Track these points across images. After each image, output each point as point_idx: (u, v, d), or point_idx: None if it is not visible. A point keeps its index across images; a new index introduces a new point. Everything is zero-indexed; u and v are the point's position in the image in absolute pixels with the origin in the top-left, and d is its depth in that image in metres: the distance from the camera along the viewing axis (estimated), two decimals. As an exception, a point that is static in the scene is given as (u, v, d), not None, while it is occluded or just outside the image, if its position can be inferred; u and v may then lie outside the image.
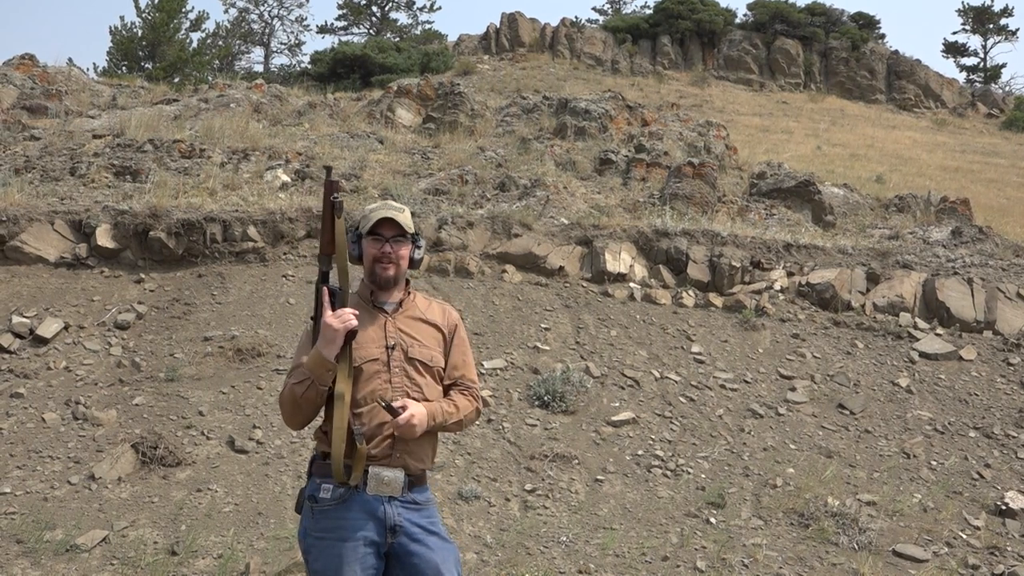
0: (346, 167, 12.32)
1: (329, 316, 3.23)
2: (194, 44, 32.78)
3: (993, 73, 45.85)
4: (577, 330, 9.41)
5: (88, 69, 27.53)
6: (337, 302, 3.28)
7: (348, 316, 3.24)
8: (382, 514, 3.26)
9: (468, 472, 7.10)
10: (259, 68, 42.66)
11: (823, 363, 9.43)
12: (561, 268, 10.28)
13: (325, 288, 3.29)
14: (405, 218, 3.42)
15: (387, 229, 3.41)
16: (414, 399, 3.36)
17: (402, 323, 3.43)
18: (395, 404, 3.26)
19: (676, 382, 8.85)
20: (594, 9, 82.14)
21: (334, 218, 3.27)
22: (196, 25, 33.42)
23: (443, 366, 3.51)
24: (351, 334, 3.26)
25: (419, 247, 3.50)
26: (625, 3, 52.17)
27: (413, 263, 3.49)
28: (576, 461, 7.45)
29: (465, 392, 3.54)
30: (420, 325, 3.49)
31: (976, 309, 10.20)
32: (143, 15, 30.23)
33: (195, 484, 6.64)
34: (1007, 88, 44.69)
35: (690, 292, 10.30)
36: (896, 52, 36.40)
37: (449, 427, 3.46)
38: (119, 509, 6.27)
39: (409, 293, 3.56)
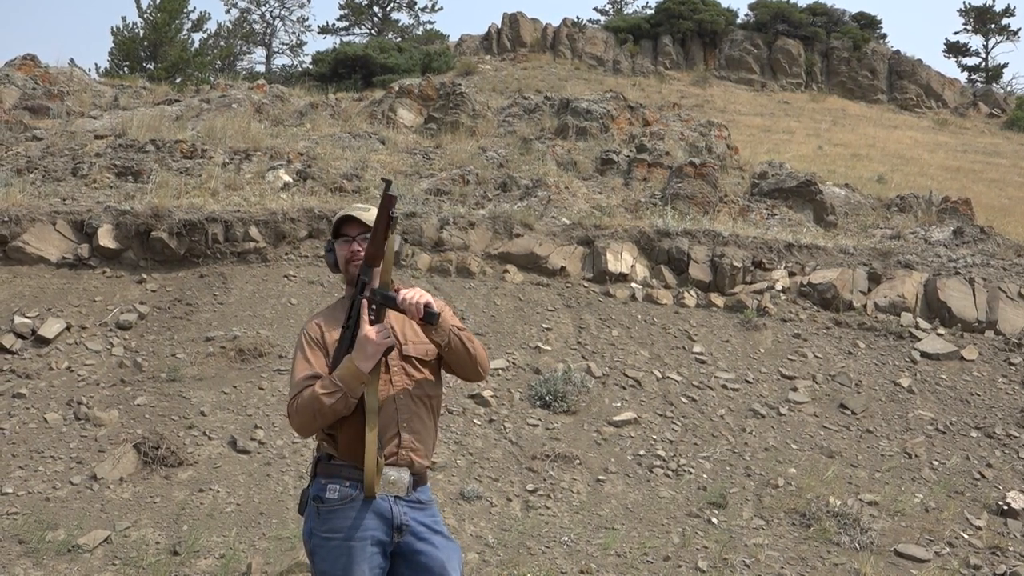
0: (347, 167, 12.33)
1: (370, 330, 3.20)
2: (196, 44, 32.81)
3: (995, 73, 45.84)
4: (578, 330, 9.41)
5: (90, 70, 27.53)
6: (373, 315, 3.25)
7: (388, 332, 3.24)
8: (389, 514, 3.27)
9: (470, 472, 7.11)
10: (261, 68, 42.67)
11: (824, 363, 9.42)
12: (563, 268, 10.28)
13: (365, 300, 3.25)
14: (370, 216, 3.40)
15: (352, 228, 3.41)
16: (416, 396, 3.37)
17: (393, 320, 3.42)
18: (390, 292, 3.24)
19: (678, 382, 8.85)
20: (595, 9, 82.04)
21: (388, 232, 3.26)
22: (198, 25, 33.44)
23: (437, 353, 3.49)
24: (387, 350, 3.26)
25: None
26: (626, 3, 52.19)
27: None
28: (578, 461, 7.46)
29: None
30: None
31: (978, 309, 10.20)
32: (144, 15, 30.24)
33: (197, 484, 6.64)
34: (1008, 88, 44.67)
35: (691, 292, 10.30)
36: (897, 52, 36.37)
37: (463, 344, 3.38)
38: (121, 509, 6.28)
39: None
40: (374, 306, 3.27)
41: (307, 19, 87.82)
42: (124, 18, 59.89)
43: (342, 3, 43.99)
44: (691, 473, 7.53)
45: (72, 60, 34.57)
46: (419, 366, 3.41)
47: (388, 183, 3.29)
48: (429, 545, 3.32)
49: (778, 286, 10.51)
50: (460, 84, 17.44)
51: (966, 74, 46.34)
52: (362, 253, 3.35)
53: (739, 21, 36.64)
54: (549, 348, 9.02)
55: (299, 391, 3.21)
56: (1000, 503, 7.41)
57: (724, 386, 8.88)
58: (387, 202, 3.24)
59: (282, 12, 50.04)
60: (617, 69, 33.41)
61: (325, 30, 45.49)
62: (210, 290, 9.21)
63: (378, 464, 3.22)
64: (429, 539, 3.34)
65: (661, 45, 35.06)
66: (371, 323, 3.23)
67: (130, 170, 11.31)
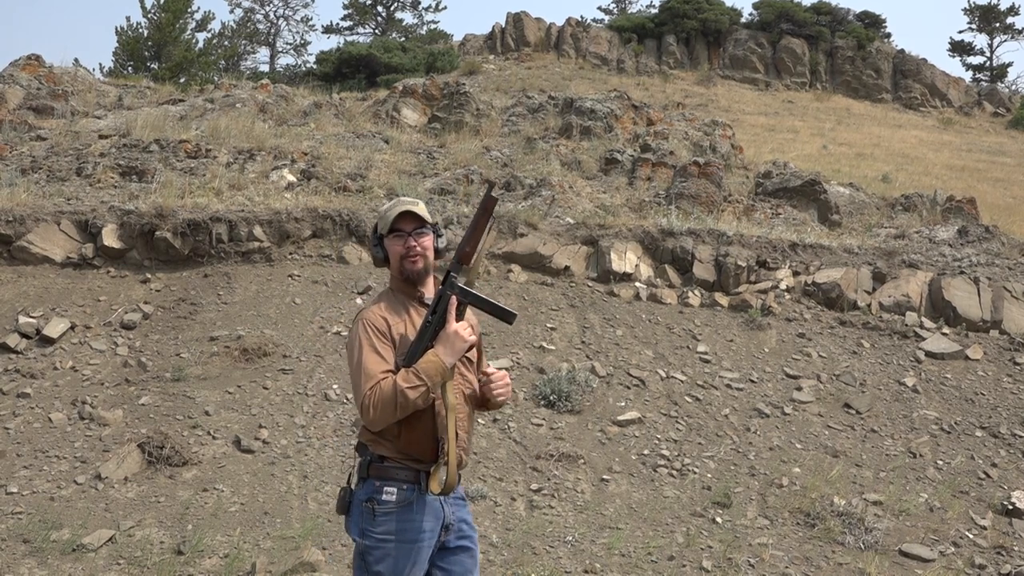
0: (352, 167, 12.33)
1: (459, 326, 3.22)
2: (200, 44, 32.90)
3: (999, 72, 45.73)
4: (583, 330, 9.41)
5: (94, 69, 27.61)
6: (460, 312, 3.28)
7: (471, 330, 3.28)
8: (441, 513, 3.31)
9: (474, 471, 7.10)
10: (265, 68, 42.69)
11: (829, 363, 9.41)
12: (567, 268, 10.28)
13: (454, 296, 3.25)
14: (422, 210, 3.41)
15: (407, 223, 3.38)
16: (467, 396, 3.41)
17: None
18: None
19: (682, 382, 8.84)
20: (600, 8, 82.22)
21: (485, 233, 3.31)
22: (202, 25, 33.54)
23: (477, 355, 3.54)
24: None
25: (440, 236, 3.49)
26: (631, 2, 52.17)
27: (438, 253, 3.46)
28: (582, 461, 7.45)
29: None
30: None
31: (982, 308, 10.17)
32: (149, 15, 30.30)
33: (201, 484, 6.65)
34: (1013, 87, 44.54)
35: (696, 292, 10.29)
36: (902, 51, 36.29)
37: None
38: (125, 509, 6.28)
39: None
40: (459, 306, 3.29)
41: (311, 19, 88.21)
42: (128, 18, 60.09)
43: (346, 3, 44.03)
44: (695, 472, 7.52)
45: (76, 60, 34.74)
46: (469, 367, 3.45)
47: (492, 185, 3.33)
48: (468, 541, 3.41)
49: (782, 285, 10.49)
50: (464, 84, 17.44)
51: (971, 73, 46.33)
52: (418, 249, 3.36)
53: (743, 20, 36.65)
54: (553, 348, 9.02)
55: (375, 383, 3.16)
56: (1005, 503, 7.40)
57: (728, 385, 8.87)
58: (488, 203, 3.27)
59: (286, 12, 50.10)
60: (621, 68, 33.40)
61: (329, 30, 45.54)
62: (214, 290, 9.22)
63: (446, 460, 3.24)
64: (470, 536, 3.42)
65: (665, 44, 35.07)
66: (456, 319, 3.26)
67: (134, 170, 11.33)
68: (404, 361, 3.21)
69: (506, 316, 3.37)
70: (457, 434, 3.29)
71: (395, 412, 3.14)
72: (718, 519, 6.85)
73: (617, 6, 51.94)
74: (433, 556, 3.33)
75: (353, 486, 3.34)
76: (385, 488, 3.24)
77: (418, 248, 3.36)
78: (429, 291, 3.42)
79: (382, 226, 3.42)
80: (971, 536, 6.95)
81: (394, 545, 3.21)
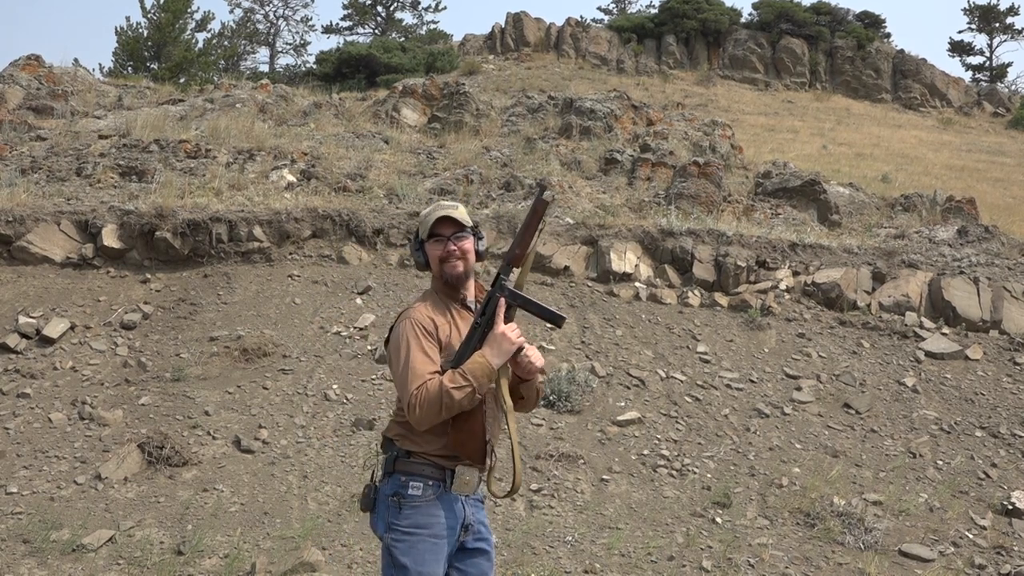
0: (351, 167, 12.33)
1: (507, 328, 3.24)
2: (200, 44, 32.89)
3: (999, 72, 45.71)
4: (583, 330, 9.41)
5: (94, 69, 27.61)
6: (509, 315, 3.28)
7: (519, 331, 3.28)
8: (461, 512, 3.36)
9: (474, 472, 7.10)
10: (264, 68, 42.69)
11: (829, 363, 9.41)
12: (566, 268, 10.28)
13: (503, 298, 3.27)
14: (461, 213, 3.41)
15: (446, 227, 3.39)
16: (496, 399, 3.41)
17: None
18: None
19: (682, 382, 8.84)
20: (599, 8, 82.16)
21: (536, 236, 3.34)
22: (202, 25, 33.54)
23: None
24: (518, 349, 3.29)
25: (480, 239, 3.49)
26: (630, 2, 52.15)
27: (479, 255, 3.47)
28: (582, 461, 7.45)
29: None
30: None
31: (982, 308, 10.17)
32: (149, 15, 30.30)
33: (201, 484, 6.65)
34: (1013, 87, 44.52)
35: (696, 292, 10.29)
36: (902, 51, 36.26)
37: (536, 391, 3.51)
38: (125, 509, 6.29)
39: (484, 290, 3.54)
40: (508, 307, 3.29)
41: (311, 19, 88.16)
42: (128, 18, 60.07)
43: (346, 3, 44.03)
44: (695, 473, 7.52)
45: (76, 60, 34.71)
46: (510, 370, 3.43)
47: (543, 188, 3.34)
48: (486, 543, 3.44)
49: (782, 286, 10.49)
50: (464, 84, 17.43)
51: (970, 73, 46.29)
52: (457, 252, 3.37)
53: (743, 20, 36.62)
54: (553, 348, 9.02)
55: (422, 383, 3.17)
56: (1005, 503, 7.40)
57: (728, 386, 8.87)
58: (540, 206, 3.30)
59: (286, 12, 50.03)
60: (621, 68, 33.38)
61: (329, 30, 45.54)
62: (214, 290, 9.22)
63: (490, 461, 3.30)
64: (487, 538, 3.46)
65: (665, 44, 35.05)
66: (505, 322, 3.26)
67: (134, 170, 11.33)
68: (452, 363, 3.23)
69: (555, 319, 3.38)
70: (492, 435, 3.33)
71: (440, 412, 3.16)
72: (718, 519, 6.86)
73: (617, 6, 51.92)
74: (451, 556, 3.35)
75: (378, 482, 3.38)
76: (411, 483, 3.28)
77: (457, 252, 3.37)
78: (470, 293, 3.45)
79: (422, 231, 3.43)
80: (971, 536, 6.95)
81: (420, 538, 3.25)
